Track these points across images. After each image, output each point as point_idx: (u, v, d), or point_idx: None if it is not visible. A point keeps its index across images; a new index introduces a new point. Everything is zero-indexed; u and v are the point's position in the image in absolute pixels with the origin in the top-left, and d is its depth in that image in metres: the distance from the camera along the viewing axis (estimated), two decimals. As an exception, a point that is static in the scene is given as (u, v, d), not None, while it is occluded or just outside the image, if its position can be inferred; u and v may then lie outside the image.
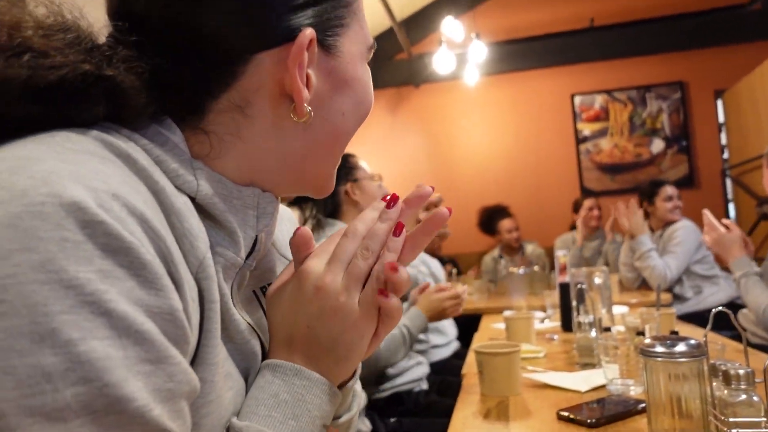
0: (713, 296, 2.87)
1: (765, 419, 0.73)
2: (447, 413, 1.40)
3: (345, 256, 0.46)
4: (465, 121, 4.91)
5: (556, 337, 1.78)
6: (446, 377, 1.98)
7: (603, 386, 1.13)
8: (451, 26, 3.86)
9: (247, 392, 0.46)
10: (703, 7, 4.45)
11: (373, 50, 0.52)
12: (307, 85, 0.46)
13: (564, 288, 1.84)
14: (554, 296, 2.19)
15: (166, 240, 0.36)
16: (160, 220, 0.37)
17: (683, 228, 2.97)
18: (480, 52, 4.07)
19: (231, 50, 0.44)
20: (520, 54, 4.78)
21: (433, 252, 3.06)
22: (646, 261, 2.85)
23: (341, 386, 0.51)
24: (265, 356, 0.50)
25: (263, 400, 0.44)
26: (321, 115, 0.48)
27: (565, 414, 0.95)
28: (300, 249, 0.48)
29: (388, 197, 0.48)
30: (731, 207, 4.44)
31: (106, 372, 0.31)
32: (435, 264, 2.56)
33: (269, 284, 0.56)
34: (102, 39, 0.43)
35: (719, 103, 4.53)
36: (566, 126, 4.80)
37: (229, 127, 0.46)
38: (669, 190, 3.11)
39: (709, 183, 4.52)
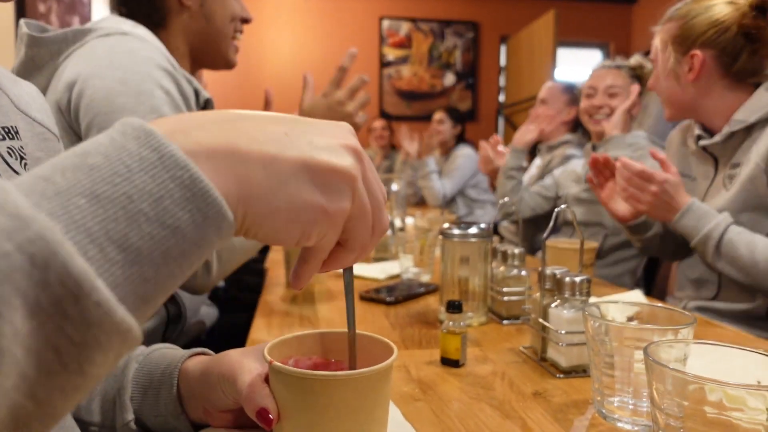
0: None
1: (528, 287, 0.89)
2: (248, 308, 1.41)
3: None
4: (275, 25, 4.67)
5: (353, 239, 1.89)
6: (242, 276, 1.97)
7: (397, 275, 1.24)
8: None
9: None
10: (501, -45, 4.85)
11: None
12: None
13: (364, 195, 1.94)
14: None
15: None
16: None
17: (462, 155, 3.35)
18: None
19: None
20: (336, -36, 4.67)
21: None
22: (428, 181, 3.18)
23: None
24: None
25: (62, 156, 0.26)
26: None
27: (367, 295, 1.03)
28: None
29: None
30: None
31: None
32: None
33: (4, 129, 0.49)
34: None
35: (503, 48, 5.07)
36: (372, 48, 4.91)
37: None
38: (435, 115, 3.47)
39: (486, 118, 5.11)
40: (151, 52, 0.92)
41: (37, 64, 0.96)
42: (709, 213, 1.07)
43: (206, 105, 1.04)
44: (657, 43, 1.24)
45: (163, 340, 1.09)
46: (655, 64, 1.26)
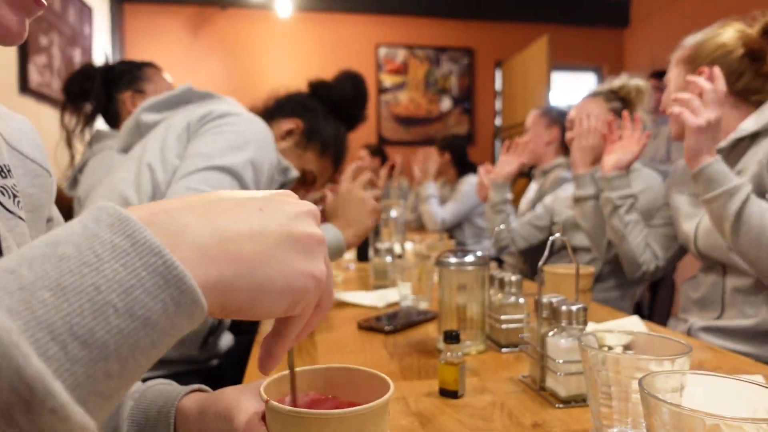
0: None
1: (526, 314, 0.89)
2: (249, 332, 1.40)
3: None
4: (272, 54, 4.74)
5: (352, 266, 1.89)
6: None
7: (396, 303, 1.24)
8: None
9: None
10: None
11: None
12: None
13: (362, 221, 1.95)
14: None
15: None
16: None
17: (467, 183, 3.36)
18: (293, -17, 3.94)
19: None
20: (332, -6, 4.77)
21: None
22: (427, 206, 3.19)
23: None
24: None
25: (32, 246, 0.25)
26: None
27: (365, 324, 1.03)
28: None
29: None
30: (498, 165, 5.15)
31: None
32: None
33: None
34: None
35: (498, 73, 5.14)
36: (369, 75, 4.97)
37: None
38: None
39: (483, 142, 5.15)
40: (265, 130, 1.09)
41: (175, 103, 1.17)
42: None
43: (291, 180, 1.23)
44: (671, 67, 1.32)
45: (202, 346, 1.10)
46: (667, 89, 1.33)
